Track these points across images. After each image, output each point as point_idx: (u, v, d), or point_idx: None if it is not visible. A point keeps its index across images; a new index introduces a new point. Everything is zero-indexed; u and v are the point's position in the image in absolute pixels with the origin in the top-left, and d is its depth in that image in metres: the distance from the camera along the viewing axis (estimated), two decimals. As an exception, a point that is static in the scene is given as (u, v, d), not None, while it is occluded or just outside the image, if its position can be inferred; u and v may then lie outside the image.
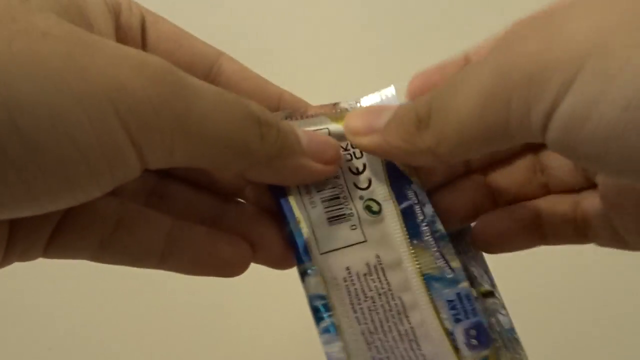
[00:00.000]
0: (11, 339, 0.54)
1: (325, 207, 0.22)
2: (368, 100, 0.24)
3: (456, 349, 0.21)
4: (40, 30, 0.14)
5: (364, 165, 0.24)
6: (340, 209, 0.23)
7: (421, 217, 0.23)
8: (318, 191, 0.23)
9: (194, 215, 0.23)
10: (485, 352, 0.22)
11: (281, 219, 0.22)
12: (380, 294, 0.22)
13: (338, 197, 0.23)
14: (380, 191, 0.23)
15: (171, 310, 0.55)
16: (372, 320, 0.21)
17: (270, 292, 0.52)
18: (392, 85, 0.24)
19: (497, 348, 0.22)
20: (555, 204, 0.24)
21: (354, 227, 0.23)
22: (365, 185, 0.23)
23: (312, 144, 0.21)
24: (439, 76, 0.22)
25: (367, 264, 0.22)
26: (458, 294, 0.22)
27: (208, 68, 0.23)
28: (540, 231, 0.24)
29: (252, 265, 0.23)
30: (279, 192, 0.23)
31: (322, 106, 0.24)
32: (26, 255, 0.19)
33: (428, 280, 0.22)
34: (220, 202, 0.24)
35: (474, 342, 0.22)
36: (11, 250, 0.19)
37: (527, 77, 0.16)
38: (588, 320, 0.54)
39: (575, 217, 0.23)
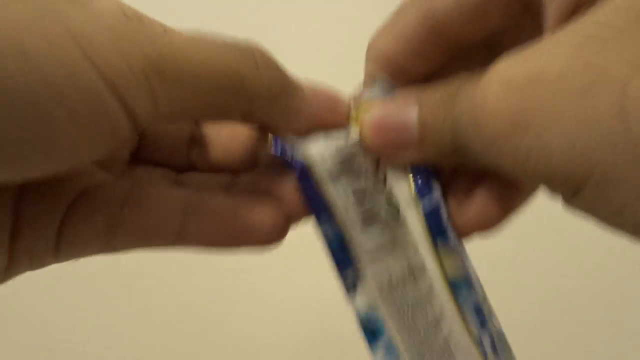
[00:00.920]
0: (11, 339, 0.54)
1: (356, 201, 0.21)
2: (367, 94, 0.22)
3: (484, 355, 0.21)
4: None
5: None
6: (371, 207, 0.21)
7: (445, 216, 0.21)
8: (350, 187, 0.21)
9: (209, 189, 0.21)
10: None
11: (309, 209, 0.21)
12: (416, 303, 0.20)
13: (364, 191, 0.21)
14: (399, 189, 0.21)
15: (171, 310, 0.55)
16: (419, 332, 0.20)
17: (278, 292, 0.52)
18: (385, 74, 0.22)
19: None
20: None
21: (384, 227, 0.21)
22: (381, 183, 0.21)
23: (314, 96, 0.20)
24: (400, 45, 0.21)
25: (402, 268, 0.21)
26: (484, 297, 0.21)
27: None
28: None
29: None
30: (307, 184, 0.20)
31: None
32: (35, 255, 0.18)
33: (455, 286, 0.21)
34: (232, 177, 0.22)
35: (500, 346, 0.21)
36: (18, 249, 0.18)
37: None
38: (588, 321, 0.54)
39: None
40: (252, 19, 0.59)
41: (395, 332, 0.20)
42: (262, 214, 0.20)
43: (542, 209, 0.28)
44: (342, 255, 0.21)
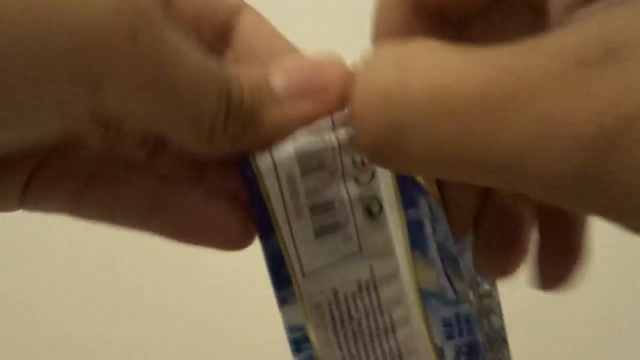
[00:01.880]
0: (11, 339, 0.54)
1: (315, 216, 0.19)
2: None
3: None
4: None
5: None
6: (333, 216, 0.19)
7: (429, 231, 0.20)
8: (307, 197, 0.19)
9: (180, 179, 0.21)
10: None
11: (257, 226, 0.19)
12: (368, 314, 0.20)
13: (333, 202, 0.19)
14: (385, 190, 0.20)
15: (172, 310, 0.55)
16: (356, 344, 0.20)
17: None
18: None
19: None
20: None
21: (348, 236, 0.20)
22: (367, 179, 0.20)
23: (292, 88, 0.18)
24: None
25: (359, 281, 0.20)
26: (457, 314, 0.21)
27: (223, 20, 0.21)
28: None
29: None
30: (256, 195, 0.19)
31: None
32: (2, 198, 0.18)
33: (426, 296, 0.20)
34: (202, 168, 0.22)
35: (464, 358, 0.21)
36: None
37: None
38: (587, 321, 0.54)
39: None
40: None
41: (324, 347, 0.20)
42: (229, 217, 0.20)
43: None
44: (280, 274, 0.20)
